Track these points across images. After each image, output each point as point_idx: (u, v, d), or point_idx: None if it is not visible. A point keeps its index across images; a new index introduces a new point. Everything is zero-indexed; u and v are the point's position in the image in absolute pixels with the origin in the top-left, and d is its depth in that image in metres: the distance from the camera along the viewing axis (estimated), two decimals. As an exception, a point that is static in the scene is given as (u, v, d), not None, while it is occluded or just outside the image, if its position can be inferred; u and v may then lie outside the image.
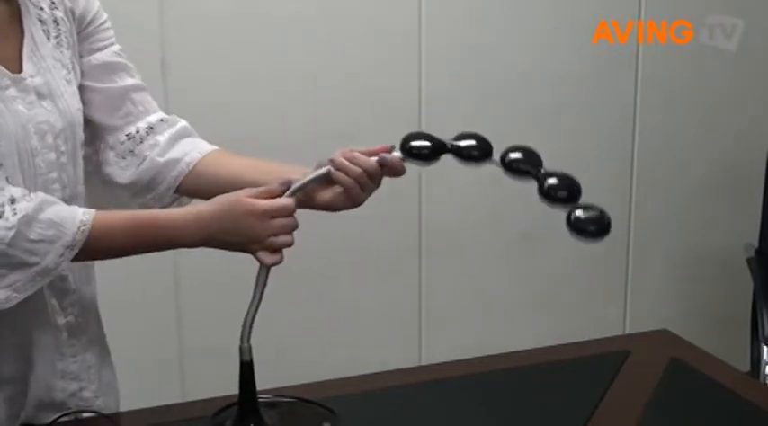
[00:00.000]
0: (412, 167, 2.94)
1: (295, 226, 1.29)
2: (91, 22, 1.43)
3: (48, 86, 1.33)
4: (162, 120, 1.49)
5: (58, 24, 1.37)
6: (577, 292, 3.09)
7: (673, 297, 3.22)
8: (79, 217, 1.26)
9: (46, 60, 1.34)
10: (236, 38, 2.57)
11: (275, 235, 1.28)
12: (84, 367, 1.45)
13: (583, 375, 1.59)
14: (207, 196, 1.42)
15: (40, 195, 1.26)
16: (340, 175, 1.33)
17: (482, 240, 2.95)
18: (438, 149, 1.32)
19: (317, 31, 2.64)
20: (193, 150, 1.48)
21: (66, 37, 1.38)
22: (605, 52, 2.94)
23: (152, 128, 1.48)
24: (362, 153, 1.33)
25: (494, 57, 2.83)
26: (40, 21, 1.35)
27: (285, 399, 1.40)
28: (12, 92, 1.28)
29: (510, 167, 1.26)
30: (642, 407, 1.46)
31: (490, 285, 2.99)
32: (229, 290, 2.44)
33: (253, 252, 1.29)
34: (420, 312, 2.93)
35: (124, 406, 1.48)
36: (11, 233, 1.21)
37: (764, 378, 2.58)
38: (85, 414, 1.44)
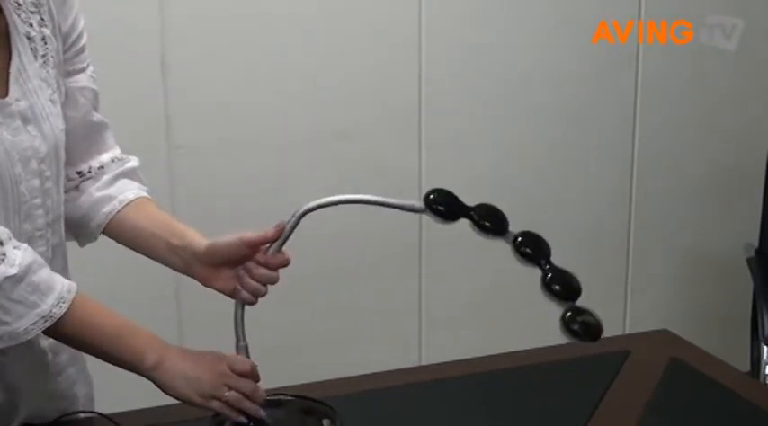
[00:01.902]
0: (412, 165, 2.94)
1: (251, 391, 1.28)
2: (75, 41, 1.39)
3: (32, 110, 1.28)
4: (113, 160, 1.46)
5: (45, 43, 1.32)
6: (577, 292, 3.08)
7: (673, 297, 3.22)
8: (65, 288, 1.23)
9: (32, 81, 1.29)
10: (236, 38, 2.57)
11: (229, 388, 1.27)
12: (69, 383, 1.45)
13: (583, 375, 1.59)
14: (124, 242, 1.44)
15: (30, 253, 1.22)
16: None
17: (482, 240, 2.94)
18: (456, 213, 1.35)
19: (317, 31, 2.64)
20: (128, 191, 1.45)
21: (52, 55, 1.33)
22: (605, 52, 2.94)
23: (102, 167, 1.45)
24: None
25: (494, 57, 2.83)
26: (28, 38, 1.30)
27: (285, 397, 1.40)
28: None
29: (519, 251, 1.30)
30: (642, 407, 1.46)
31: (490, 285, 2.99)
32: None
33: (198, 399, 1.27)
34: (420, 312, 2.93)
35: (124, 406, 1.48)
36: None
37: (764, 378, 2.58)
38: (85, 414, 1.44)
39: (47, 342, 1.38)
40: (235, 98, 2.59)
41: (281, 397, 1.39)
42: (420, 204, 1.30)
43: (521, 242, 1.27)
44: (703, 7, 3.01)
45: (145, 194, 1.47)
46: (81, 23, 1.39)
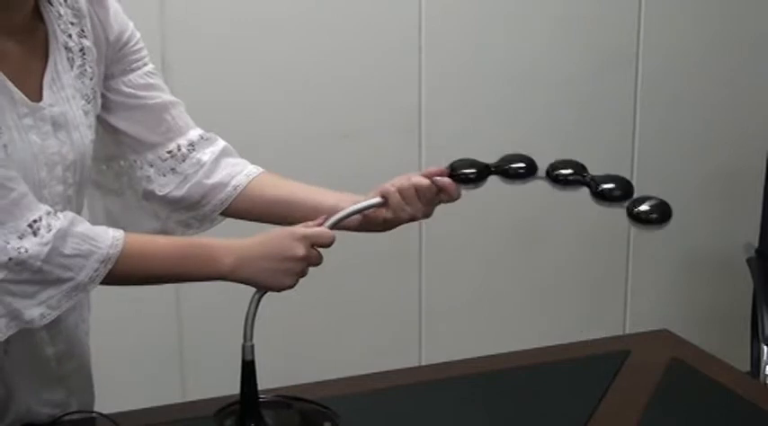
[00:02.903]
0: (412, 165, 2.95)
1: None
2: (126, 42, 1.43)
3: (64, 117, 1.31)
4: (202, 138, 1.50)
5: (84, 54, 1.35)
6: (577, 292, 3.09)
7: (673, 297, 3.22)
8: (111, 233, 1.26)
9: (66, 90, 1.32)
10: (236, 38, 2.57)
11: (310, 263, 1.32)
12: (67, 392, 1.45)
13: (583, 375, 1.59)
14: (256, 217, 1.48)
15: (70, 213, 1.25)
16: (389, 214, 1.42)
17: (482, 240, 2.95)
18: (483, 172, 1.35)
19: (317, 31, 2.64)
20: (239, 173, 1.50)
21: (90, 66, 1.36)
22: (605, 52, 2.94)
23: (193, 145, 1.49)
24: (418, 180, 1.40)
25: (494, 57, 2.83)
26: (66, 48, 1.33)
27: (286, 399, 1.40)
28: (28, 121, 1.26)
29: (558, 180, 1.29)
30: (642, 407, 1.46)
31: (490, 285, 2.99)
32: (230, 290, 2.43)
33: (276, 285, 1.31)
34: (420, 312, 2.93)
35: (124, 406, 1.48)
36: (46, 248, 1.20)
37: (764, 378, 2.58)
38: (85, 414, 1.44)
39: (53, 350, 1.39)
40: (235, 98, 2.59)
41: (282, 399, 1.40)
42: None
43: (556, 173, 1.26)
44: (704, 7, 3.01)
45: (258, 170, 1.52)
46: (129, 27, 1.45)
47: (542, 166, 1.36)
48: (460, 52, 2.80)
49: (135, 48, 1.45)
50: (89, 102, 1.36)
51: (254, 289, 1.33)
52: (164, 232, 1.47)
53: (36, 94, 1.28)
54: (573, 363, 1.63)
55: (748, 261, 2.82)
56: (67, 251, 1.21)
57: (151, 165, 1.46)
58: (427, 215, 1.42)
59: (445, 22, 2.75)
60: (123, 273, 1.26)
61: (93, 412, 1.45)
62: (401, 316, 2.91)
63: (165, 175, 1.46)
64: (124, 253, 1.25)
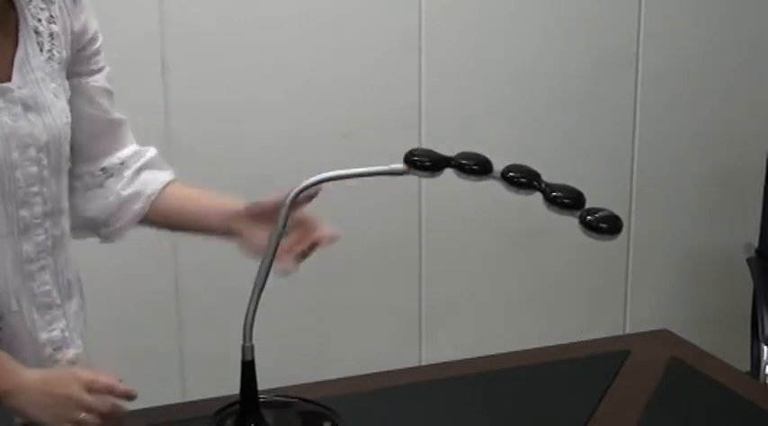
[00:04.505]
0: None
1: (108, 410, 1.26)
2: (90, 41, 1.43)
3: (34, 99, 1.32)
4: (134, 153, 1.51)
5: (52, 38, 1.37)
6: (577, 292, 3.09)
7: (673, 297, 3.22)
8: None
9: (35, 73, 1.33)
10: (235, 38, 2.57)
11: (84, 408, 1.24)
12: None
13: (583, 375, 1.59)
14: (174, 225, 1.49)
15: None
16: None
17: (482, 240, 2.95)
18: (439, 163, 1.34)
19: (316, 30, 2.64)
20: (154, 181, 1.51)
21: (58, 52, 1.37)
22: (605, 52, 2.94)
23: (123, 163, 1.50)
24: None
25: (494, 56, 2.83)
26: (36, 32, 1.35)
27: (287, 399, 1.40)
28: None
29: (513, 182, 1.28)
30: (642, 407, 1.46)
31: (490, 285, 2.99)
32: (229, 290, 2.44)
33: (49, 423, 1.24)
34: (420, 312, 2.93)
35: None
36: None
37: (764, 378, 2.58)
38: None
39: (46, 336, 1.38)
40: (234, 97, 2.59)
41: (283, 399, 1.39)
42: (402, 167, 1.29)
43: (511, 175, 1.26)
44: (704, 7, 3.01)
45: (170, 178, 1.52)
46: (94, 25, 1.44)
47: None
48: (460, 52, 2.80)
49: (98, 49, 1.46)
50: (58, 86, 1.37)
51: (253, 290, 1.33)
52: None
53: (6, 77, 1.30)
54: (573, 363, 1.63)
55: (748, 261, 2.82)
56: None
57: (79, 178, 1.47)
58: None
59: (445, 22, 2.75)
60: None
61: (92, 412, 1.45)
62: (401, 316, 2.91)
63: (90, 189, 1.47)
64: None
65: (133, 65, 2.46)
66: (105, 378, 1.27)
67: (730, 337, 3.02)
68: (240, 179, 2.63)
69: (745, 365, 2.70)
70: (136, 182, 1.49)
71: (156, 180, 1.51)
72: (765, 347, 2.59)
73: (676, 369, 1.59)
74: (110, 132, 1.48)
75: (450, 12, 2.75)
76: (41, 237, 1.34)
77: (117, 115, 1.50)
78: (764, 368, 2.60)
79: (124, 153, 1.50)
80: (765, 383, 2.56)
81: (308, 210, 1.39)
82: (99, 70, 1.46)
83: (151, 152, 1.53)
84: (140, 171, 1.50)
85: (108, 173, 1.48)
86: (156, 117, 2.51)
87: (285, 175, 2.70)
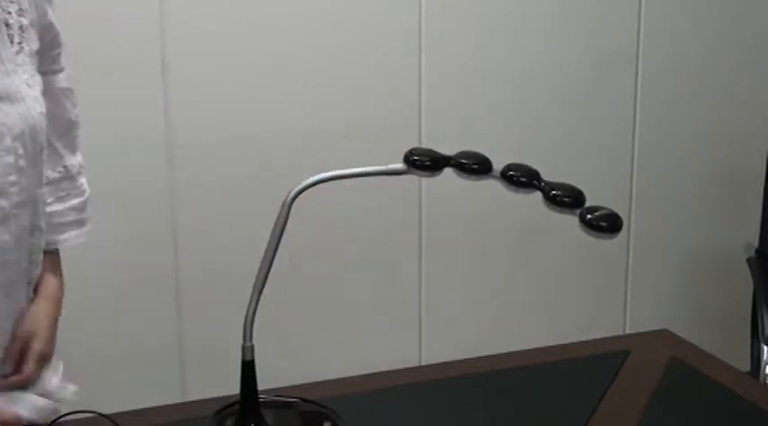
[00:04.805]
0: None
1: None
2: (52, 42, 1.45)
3: (6, 89, 1.31)
4: (80, 166, 1.54)
5: (22, 31, 1.37)
6: (577, 292, 3.09)
7: (673, 297, 3.22)
8: None
9: (5, 64, 1.33)
10: (235, 38, 2.57)
11: None
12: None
13: (583, 375, 1.59)
14: None
15: None
16: None
17: (482, 240, 2.95)
18: (439, 163, 1.33)
19: (316, 30, 2.64)
20: (68, 234, 1.52)
21: (27, 44, 1.37)
22: (605, 52, 2.94)
23: (80, 172, 1.54)
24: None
25: (494, 56, 2.83)
26: (6, 25, 1.34)
27: (287, 399, 1.40)
28: None
29: (512, 181, 1.28)
30: (642, 407, 1.46)
31: (490, 284, 2.99)
32: (229, 290, 2.44)
33: None
34: (420, 312, 2.93)
35: (125, 406, 1.48)
36: None
37: (764, 378, 2.58)
38: (85, 414, 1.44)
39: None
40: (235, 97, 2.59)
41: (283, 399, 1.39)
42: (402, 166, 1.29)
43: (511, 174, 1.26)
44: (704, 7, 3.01)
45: (78, 241, 1.53)
46: (56, 27, 1.47)
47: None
48: (460, 52, 2.80)
49: (59, 51, 1.49)
50: (31, 77, 1.37)
51: (253, 290, 1.33)
52: None
53: None
54: (573, 363, 1.63)
55: (748, 261, 2.82)
56: None
57: None
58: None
59: (445, 22, 2.75)
60: None
61: (93, 411, 1.45)
62: (401, 316, 2.91)
63: (55, 183, 1.49)
64: None
65: (133, 65, 2.46)
66: (6, 413, 1.30)
67: (730, 337, 3.02)
68: (240, 179, 2.64)
69: (745, 365, 2.70)
70: (61, 209, 1.51)
71: (69, 234, 1.51)
72: (765, 347, 2.59)
73: (676, 369, 1.60)
74: (70, 132, 1.52)
75: (450, 12, 2.75)
76: (19, 226, 1.34)
77: (76, 115, 1.53)
78: (764, 368, 2.60)
79: (77, 159, 1.53)
80: (765, 383, 2.56)
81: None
82: (62, 70, 1.50)
83: (87, 193, 1.55)
84: (62, 200, 1.51)
85: (70, 172, 1.51)
86: (156, 117, 2.51)
87: (285, 175, 2.71)
